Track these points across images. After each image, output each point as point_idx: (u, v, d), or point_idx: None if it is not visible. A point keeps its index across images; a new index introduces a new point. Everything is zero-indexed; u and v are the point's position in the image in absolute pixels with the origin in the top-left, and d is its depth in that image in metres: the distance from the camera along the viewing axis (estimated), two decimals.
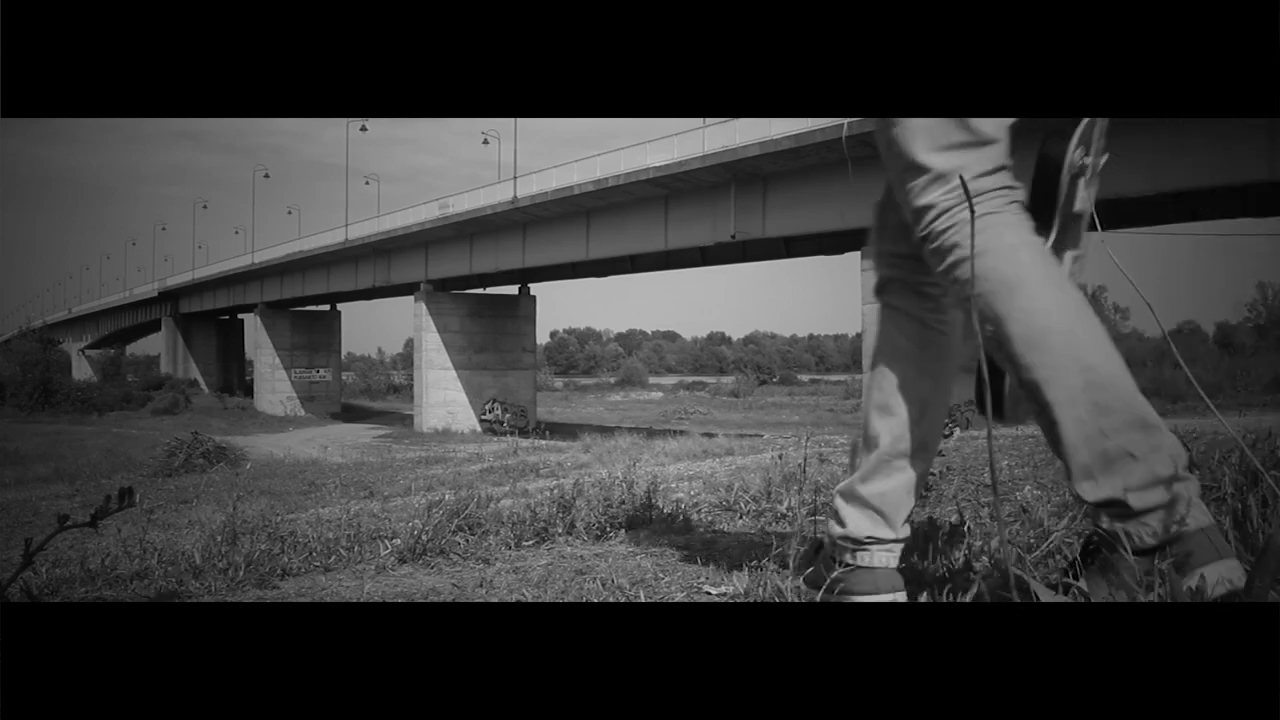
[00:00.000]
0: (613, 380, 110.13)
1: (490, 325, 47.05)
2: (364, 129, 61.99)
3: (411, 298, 46.47)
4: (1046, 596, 1.83)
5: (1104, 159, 1.99)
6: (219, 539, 3.65)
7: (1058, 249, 1.89)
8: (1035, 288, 1.73)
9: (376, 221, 50.33)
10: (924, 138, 1.91)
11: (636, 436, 14.17)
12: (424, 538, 3.56)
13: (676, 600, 2.57)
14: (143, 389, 62.31)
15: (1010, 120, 1.92)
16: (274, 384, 58.29)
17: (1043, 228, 1.88)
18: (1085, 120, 1.97)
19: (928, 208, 1.86)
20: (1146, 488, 1.68)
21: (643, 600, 2.58)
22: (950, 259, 1.83)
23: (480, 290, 47.68)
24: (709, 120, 29.74)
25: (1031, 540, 2.44)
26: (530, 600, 2.70)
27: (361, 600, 2.91)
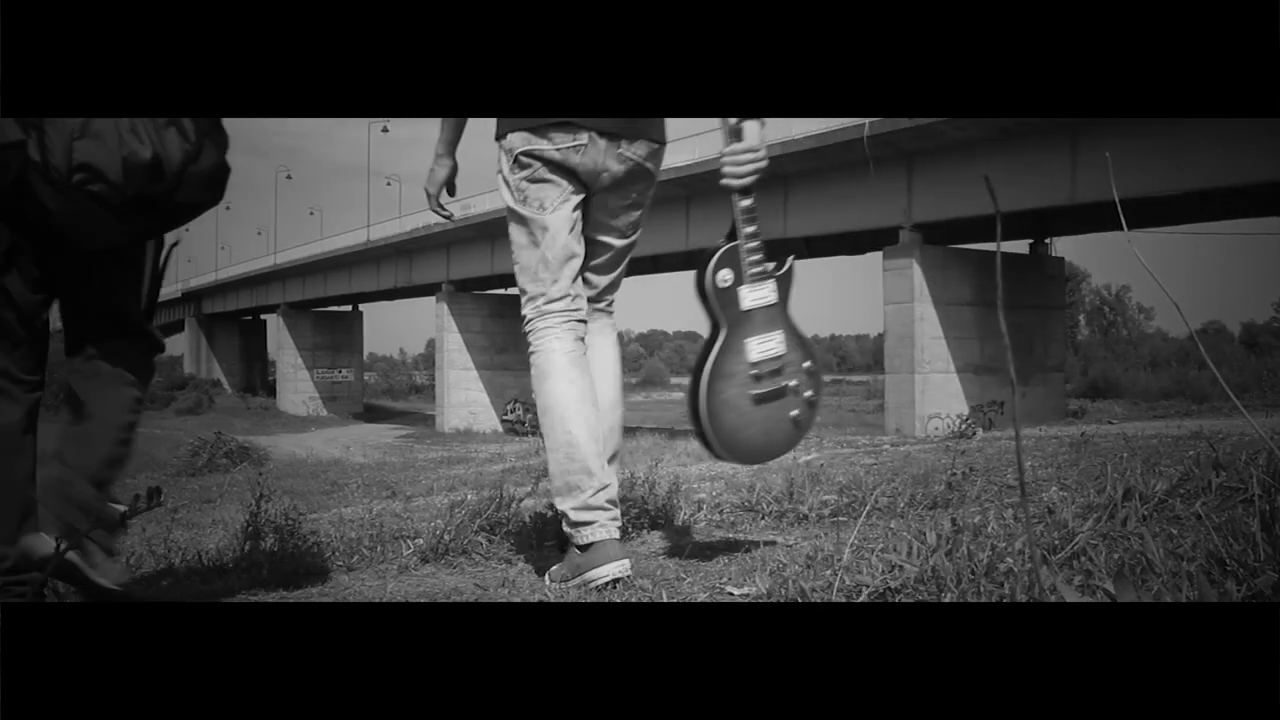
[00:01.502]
0: (634, 381, 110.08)
1: (512, 326, 46.72)
2: (385, 130, 62.15)
3: (433, 298, 46.52)
4: (1072, 597, 1.82)
5: (777, 265, 2.66)
6: (242, 538, 3.67)
7: (734, 339, 2.59)
8: (552, 381, 2.67)
9: (398, 222, 50.40)
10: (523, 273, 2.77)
11: (658, 437, 14.14)
12: (446, 538, 3.57)
13: (699, 601, 2.56)
14: (166, 389, 62.52)
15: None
16: (296, 384, 58.41)
17: (715, 328, 2.62)
18: (726, 246, 2.60)
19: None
20: (581, 509, 2.64)
21: (665, 601, 2.58)
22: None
23: (502, 291, 47.68)
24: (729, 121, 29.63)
25: (1056, 542, 2.43)
26: (553, 600, 2.70)
27: (384, 600, 2.92)
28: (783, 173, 28.32)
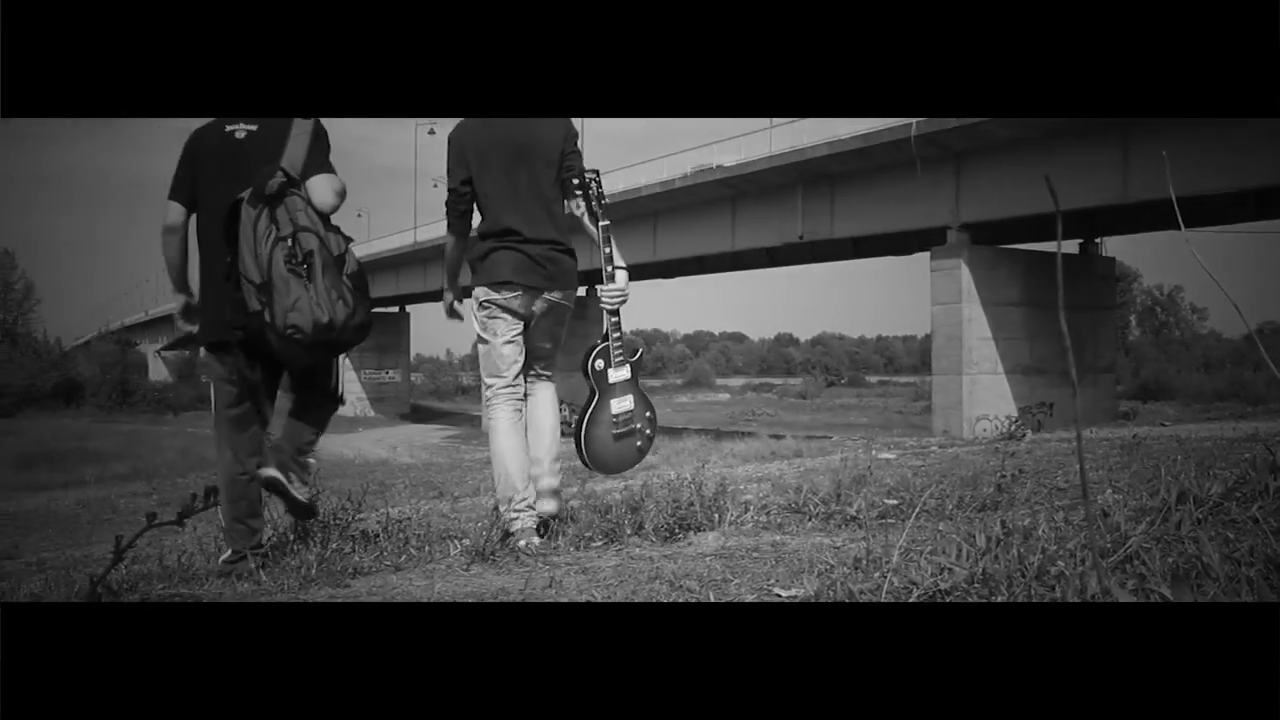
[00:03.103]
0: (680, 382, 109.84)
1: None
2: (432, 132, 62.24)
3: None
4: (1124, 598, 1.81)
5: (634, 352, 4.04)
6: (291, 537, 3.70)
7: (602, 400, 3.94)
8: (491, 423, 4.00)
9: (444, 224, 50.54)
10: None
11: (704, 438, 14.13)
12: (494, 538, 3.58)
13: (746, 602, 2.55)
14: None
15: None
16: (344, 385, 58.77)
17: (591, 393, 3.94)
18: (601, 345, 3.96)
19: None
20: (509, 511, 3.86)
21: (712, 601, 2.57)
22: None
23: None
24: (776, 121, 29.62)
25: (1108, 545, 2.39)
26: (600, 601, 2.70)
27: (432, 600, 2.93)
28: (828, 173, 28.20)
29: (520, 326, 3.99)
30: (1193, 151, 19.84)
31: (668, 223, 35.59)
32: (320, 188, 3.63)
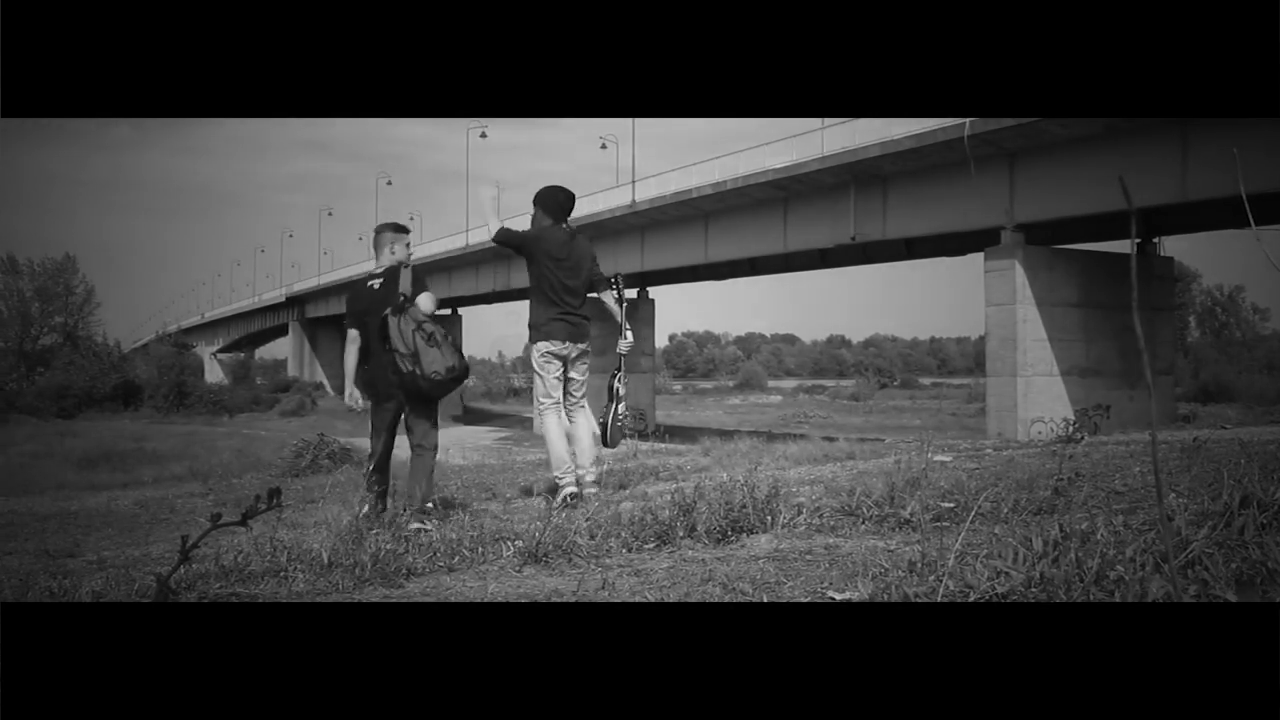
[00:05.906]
0: (731, 384, 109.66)
1: (608, 328, 46.75)
2: (484, 135, 62.68)
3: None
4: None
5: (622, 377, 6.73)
6: (345, 538, 3.72)
7: (618, 404, 6.56)
8: (544, 424, 6.37)
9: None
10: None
11: (756, 440, 14.04)
12: (546, 539, 3.59)
13: (801, 603, 2.54)
14: (271, 391, 64.01)
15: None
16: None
17: (611, 400, 6.60)
18: (618, 373, 6.63)
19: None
20: (558, 475, 6.24)
21: (765, 602, 2.56)
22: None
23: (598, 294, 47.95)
24: (828, 121, 29.48)
25: (1170, 549, 2.35)
26: (653, 601, 2.69)
27: (485, 600, 2.94)
28: (881, 173, 28.04)
29: (563, 365, 6.25)
30: (1255, 149, 19.50)
31: (719, 224, 35.56)
32: (424, 300, 5.94)
